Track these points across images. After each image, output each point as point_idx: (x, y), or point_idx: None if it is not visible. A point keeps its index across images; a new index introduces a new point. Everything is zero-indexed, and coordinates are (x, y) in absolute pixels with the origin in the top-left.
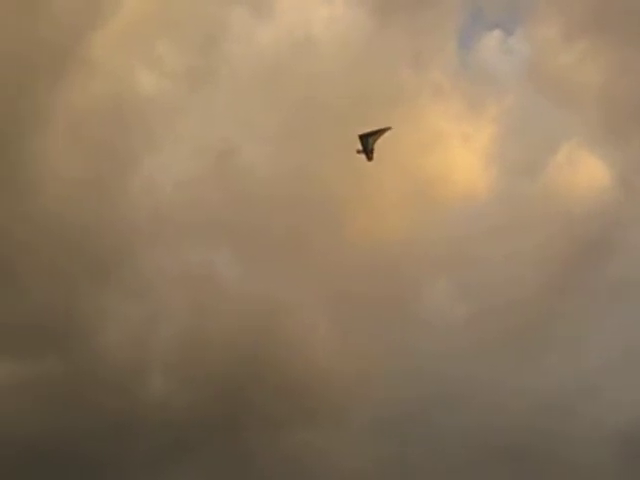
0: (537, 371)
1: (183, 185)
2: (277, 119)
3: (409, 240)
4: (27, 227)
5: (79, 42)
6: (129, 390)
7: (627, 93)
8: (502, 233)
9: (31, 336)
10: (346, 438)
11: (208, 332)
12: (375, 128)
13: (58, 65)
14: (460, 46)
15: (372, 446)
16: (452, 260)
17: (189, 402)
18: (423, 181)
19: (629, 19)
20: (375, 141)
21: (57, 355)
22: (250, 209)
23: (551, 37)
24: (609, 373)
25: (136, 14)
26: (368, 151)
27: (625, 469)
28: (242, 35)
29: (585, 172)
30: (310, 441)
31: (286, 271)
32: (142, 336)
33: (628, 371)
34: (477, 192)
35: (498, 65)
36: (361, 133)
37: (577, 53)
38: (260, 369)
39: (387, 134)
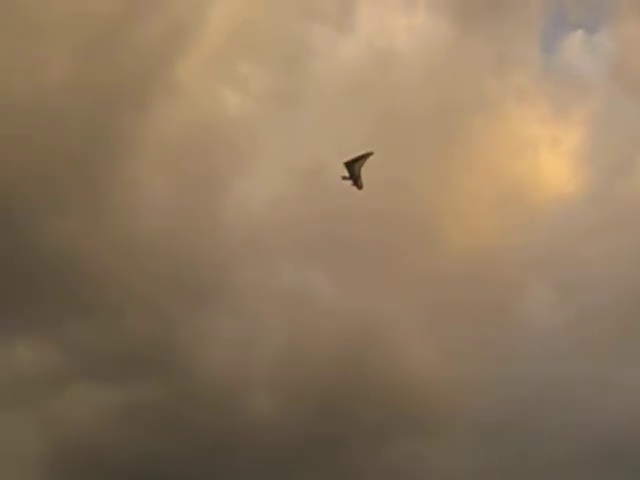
0: None
1: (274, 205)
2: (364, 133)
3: (504, 245)
4: (120, 257)
5: (163, 70)
6: (232, 411)
7: None
8: (596, 233)
9: (133, 363)
10: (451, 446)
11: (307, 349)
12: (358, 154)
13: (143, 94)
14: (543, 49)
15: (477, 452)
16: (549, 262)
17: (293, 419)
18: (514, 186)
19: None
20: (360, 167)
21: (160, 381)
22: (342, 225)
23: (635, 34)
24: None
25: (218, 38)
26: (355, 178)
27: None
28: (325, 51)
29: None
30: (416, 451)
31: (381, 284)
32: (242, 356)
33: None
34: (569, 193)
35: (582, 65)
36: (346, 160)
37: None
38: (362, 382)
39: (480, 143)
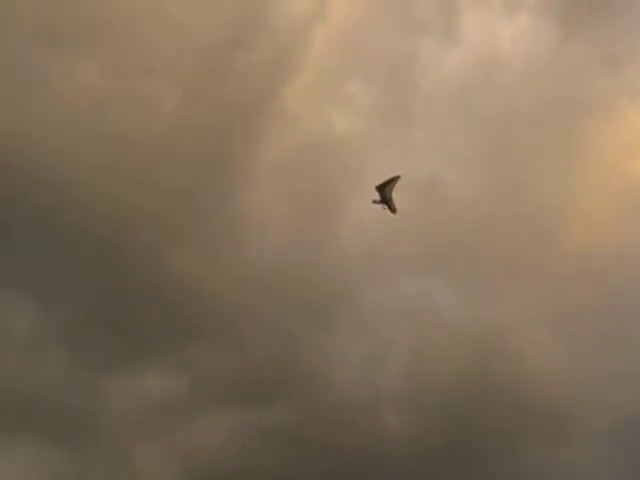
0: None
1: (391, 220)
2: (476, 141)
3: (623, 241)
4: (241, 283)
5: (270, 96)
6: (363, 428)
7: None
8: None
9: (261, 387)
10: (586, 448)
11: (433, 361)
12: (387, 178)
13: (253, 122)
14: None
15: (610, 451)
16: None
17: (423, 432)
18: (630, 183)
19: None
20: (391, 190)
21: (289, 402)
22: (461, 234)
23: None
24: None
25: (322, 59)
26: (387, 201)
27: None
28: (431, 63)
29: None
30: (550, 455)
31: (504, 290)
32: (368, 373)
33: None
34: None
35: None
36: (377, 184)
37: None
38: (489, 390)
39: (595, 142)
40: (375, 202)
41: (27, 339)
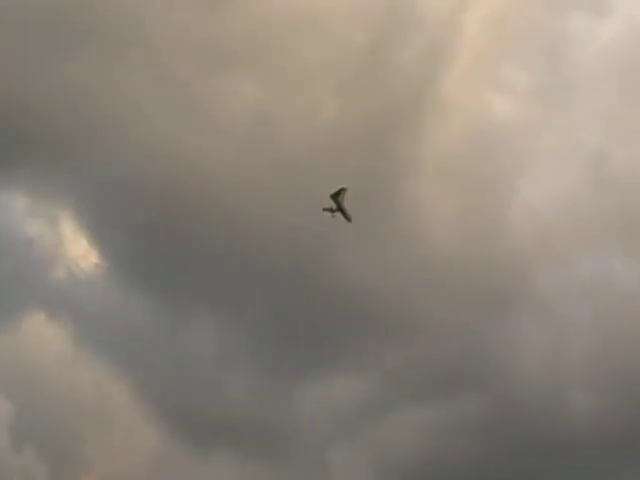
0: None
1: (561, 200)
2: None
3: None
4: (415, 279)
5: (428, 85)
6: (553, 410)
7: None
8: None
9: (447, 381)
10: None
11: (620, 338)
12: (337, 188)
13: (413, 113)
14: None
15: None
16: None
17: (613, 409)
18: None
19: None
20: (343, 199)
21: (477, 393)
22: (634, 209)
23: None
24: None
25: (476, 44)
26: (341, 208)
27: None
28: (585, 38)
29: None
30: None
31: None
32: (555, 356)
33: None
34: None
35: None
36: (332, 193)
37: None
38: None
39: None
40: (325, 210)
41: (214, 357)
